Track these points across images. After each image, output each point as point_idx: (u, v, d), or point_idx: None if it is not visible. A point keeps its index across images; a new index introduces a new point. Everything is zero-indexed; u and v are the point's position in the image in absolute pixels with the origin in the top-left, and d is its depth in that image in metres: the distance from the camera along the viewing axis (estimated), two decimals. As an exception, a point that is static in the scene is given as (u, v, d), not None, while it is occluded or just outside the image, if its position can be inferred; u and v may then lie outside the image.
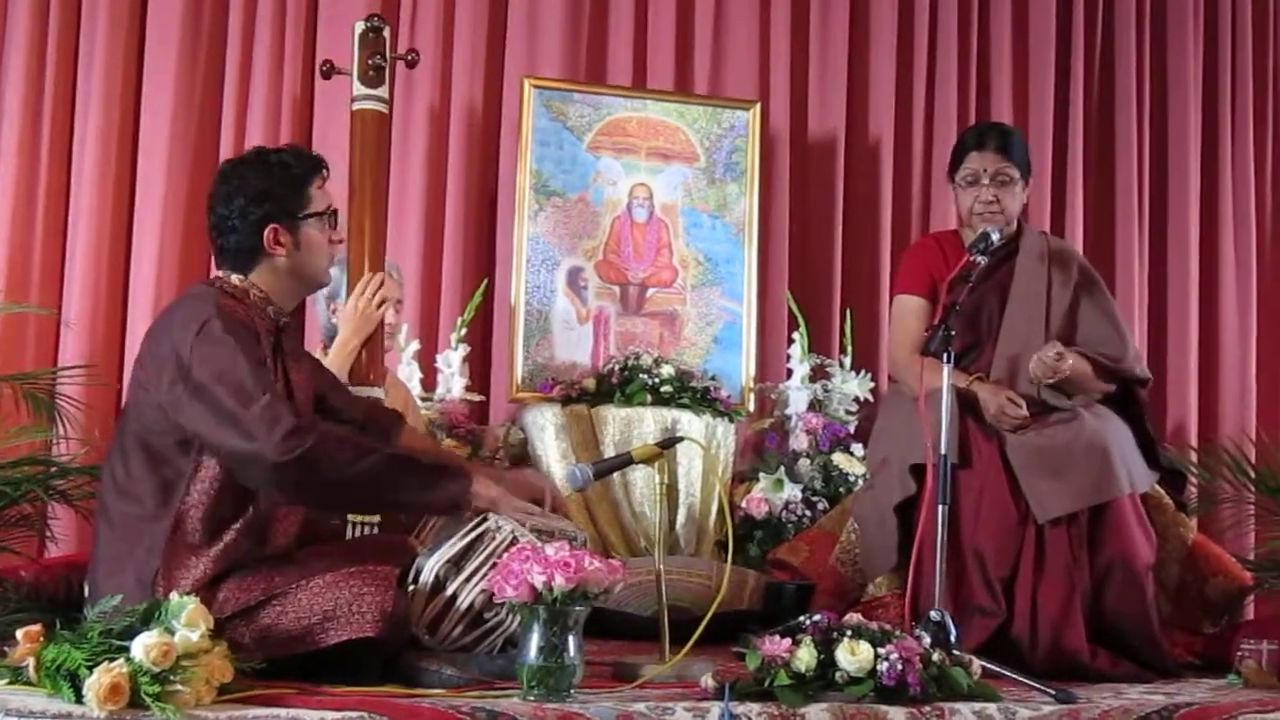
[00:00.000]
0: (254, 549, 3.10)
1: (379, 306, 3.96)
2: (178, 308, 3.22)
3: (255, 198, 3.20)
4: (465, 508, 3.17)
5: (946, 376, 3.61)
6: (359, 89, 3.99)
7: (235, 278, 3.24)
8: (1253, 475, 4.86)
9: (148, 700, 2.55)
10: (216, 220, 3.24)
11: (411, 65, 4.32)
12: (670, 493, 4.90)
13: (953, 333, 3.62)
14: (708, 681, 2.92)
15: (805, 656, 2.88)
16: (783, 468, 5.29)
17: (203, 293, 3.21)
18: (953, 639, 3.31)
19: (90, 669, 2.60)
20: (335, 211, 3.36)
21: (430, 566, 3.11)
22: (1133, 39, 6.22)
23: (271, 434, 2.95)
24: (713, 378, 5.36)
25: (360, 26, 4.01)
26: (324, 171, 3.34)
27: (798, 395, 5.53)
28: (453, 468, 3.26)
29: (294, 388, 3.26)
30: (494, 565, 2.98)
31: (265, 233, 3.20)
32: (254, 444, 2.96)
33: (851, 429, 5.47)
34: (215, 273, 3.31)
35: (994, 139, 4.38)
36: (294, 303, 3.38)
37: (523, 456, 5.15)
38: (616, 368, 5.23)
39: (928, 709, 2.85)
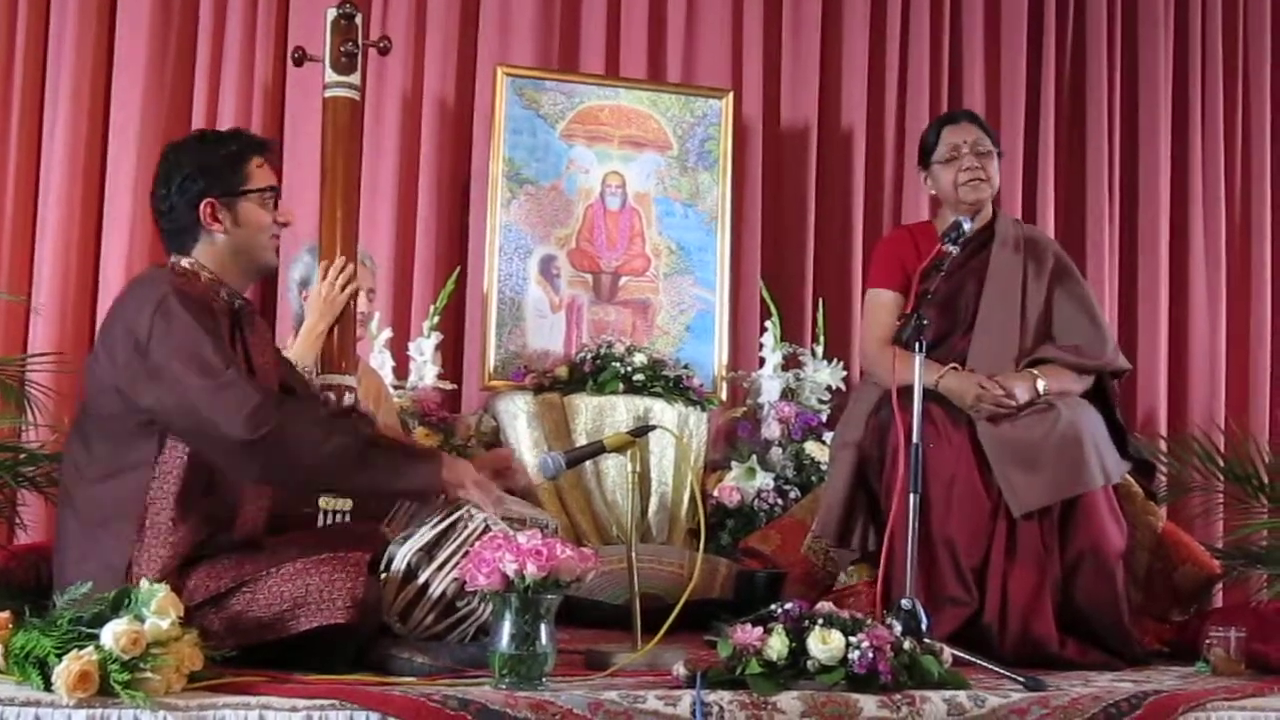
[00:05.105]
0: (222, 534, 3.09)
1: (343, 290, 3.94)
2: (130, 291, 3.20)
3: (191, 174, 3.19)
4: (435, 493, 3.17)
5: (918, 366, 3.62)
6: (331, 76, 3.97)
7: (185, 261, 3.22)
8: (1221, 464, 4.89)
9: (117, 688, 2.54)
10: (156, 201, 3.24)
11: (383, 52, 4.30)
12: (642, 481, 4.90)
13: (925, 322, 3.63)
14: (679, 670, 2.92)
15: (777, 645, 2.88)
16: (755, 456, 5.31)
17: (155, 274, 3.20)
18: (924, 627, 3.32)
19: (59, 656, 2.58)
20: (276, 190, 3.33)
21: (402, 554, 3.11)
22: (1104, 27, 6.25)
23: (237, 411, 2.93)
24: (685, 366, 5.37)
25: (332, 13, 3.99)
26: (265, 151, 3.34)
27: (770, 384, 5.54)
28: (422, 452, 3.24)
29: (256, 369, 3.24)
30: (466, 554, 2.97)
31: (201, 207, 3.19)
32: (218, 422, 2.94)
33: (824, 418, 5.49)
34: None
35: (965, 115, 4.46)
36: (245, 285, 3.35)
37: (495, 445, 5.15)
38: (589, 356, 5.24)
39: (898, 697, 2.85)
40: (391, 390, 5.00)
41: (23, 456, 4.21)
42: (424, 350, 5.27)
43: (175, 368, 2.98)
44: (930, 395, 3.89)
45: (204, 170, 3.20)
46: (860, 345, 4.76)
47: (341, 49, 3.96)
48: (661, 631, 3.19)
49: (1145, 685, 3.22)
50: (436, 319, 5.33)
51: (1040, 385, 4.07)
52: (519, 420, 5.15)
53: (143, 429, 3.04)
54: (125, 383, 3.03)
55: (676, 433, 5.14)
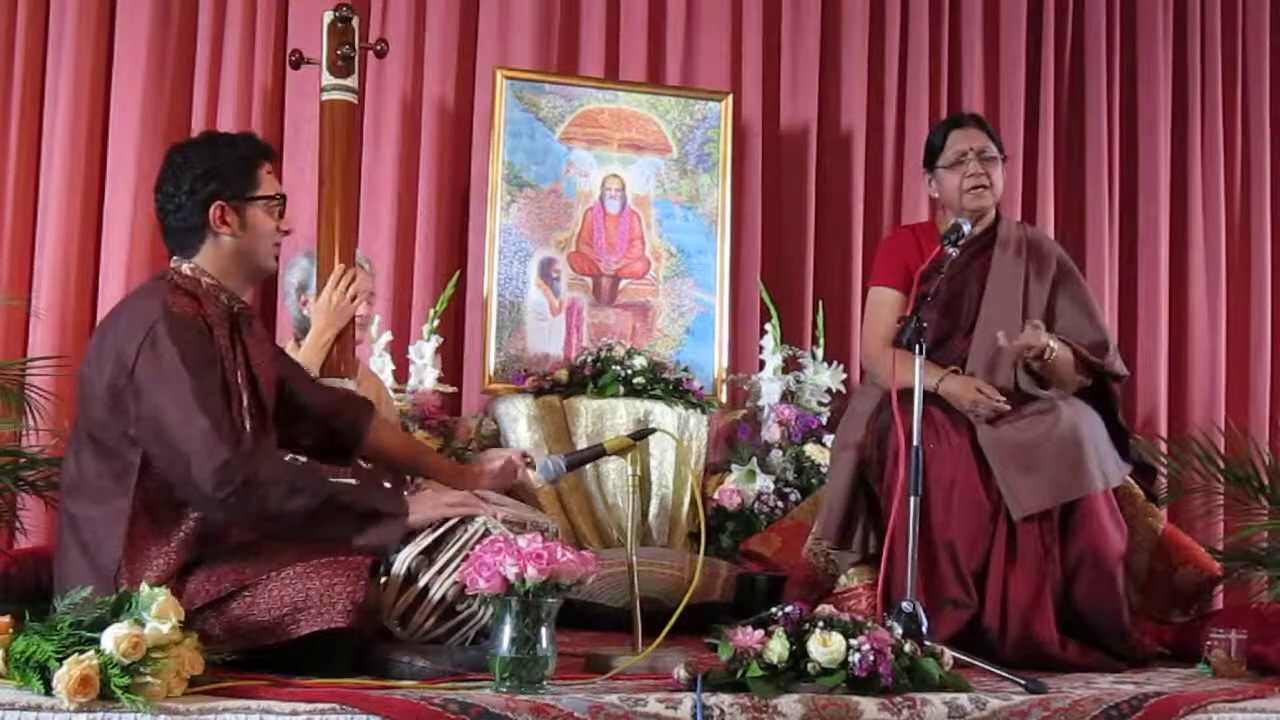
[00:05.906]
0: (217, 537, 3.09)
1: (353, 300, 3.95)
2: (126, 306, 3.20)
3: (202, 175, 3.18)
4: (395, 549, 3.14)
5: (918, 368, 3.61)
6: (328, 79, 3.98)
7: (186, 267, 3.21)
8: (1222, 465, 4.89)
9: (118, 692, 2.54)
10: (163, 199, 3.22)
11: (380, 55, 4.31)
12: (642, 484, 4.91)
13: (925, 324, 3.62)
14: (680, 673, 2.92)
15: (777, 647, 2.88)
16: (755, 459, 5.30)
17: (152, 289, 3.17)
18: (924, 629, 3.32)
19: (60, 661, 2.58)
20: (284, 199, 3.33)
21: (402, 558, 3.10)
22: (1103, 29, 6.25)
23: (206, 463, 2.95)
24: (685, 369, 5.37)
25: (329, 16, 3.99)
26: (272, 158, 3.33)
27: (770, 386, 5.54)
28: (389, 509, 3.14)
29: (256, 374, 3.24)
30: (466, 557, 2.97)
31: (211, 209, 3.18)
32: (188, 465, 2.96)
33: (824, 420, 5.49)
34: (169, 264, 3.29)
35: (972, 119, 4.42)
36: (244, 289, 3.35)
37: (494, 448, 5.14)
38: (589, 359, 5.24)
39: (899, 699, 2.85)
40: (391, 394, 4.99)
41: (23, 461, 4.21)
42: (424, 353, 5.27)
43: (157, 399, 2.99)
44: (931, 398, 3.89)
45: (216, 172, 3.19)
46: (862, 344, 4.75)
47: (338, 52, 3.96)
48: (662, 634, 3.18)
49: (1146, 687, 3.22)
50: (436, 322, 5.33)
51: (1054, 345, 4.03)
52: (519, 423, 5.15)
53: (127, 437, 3.04)
54: (110, 399, 3.04)
55: (676, 435, 5.13)
